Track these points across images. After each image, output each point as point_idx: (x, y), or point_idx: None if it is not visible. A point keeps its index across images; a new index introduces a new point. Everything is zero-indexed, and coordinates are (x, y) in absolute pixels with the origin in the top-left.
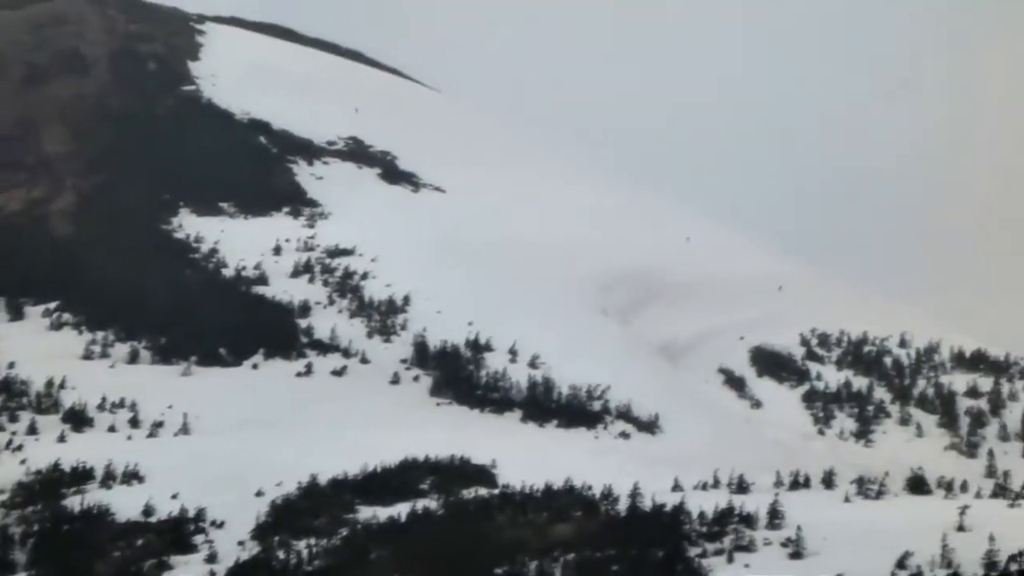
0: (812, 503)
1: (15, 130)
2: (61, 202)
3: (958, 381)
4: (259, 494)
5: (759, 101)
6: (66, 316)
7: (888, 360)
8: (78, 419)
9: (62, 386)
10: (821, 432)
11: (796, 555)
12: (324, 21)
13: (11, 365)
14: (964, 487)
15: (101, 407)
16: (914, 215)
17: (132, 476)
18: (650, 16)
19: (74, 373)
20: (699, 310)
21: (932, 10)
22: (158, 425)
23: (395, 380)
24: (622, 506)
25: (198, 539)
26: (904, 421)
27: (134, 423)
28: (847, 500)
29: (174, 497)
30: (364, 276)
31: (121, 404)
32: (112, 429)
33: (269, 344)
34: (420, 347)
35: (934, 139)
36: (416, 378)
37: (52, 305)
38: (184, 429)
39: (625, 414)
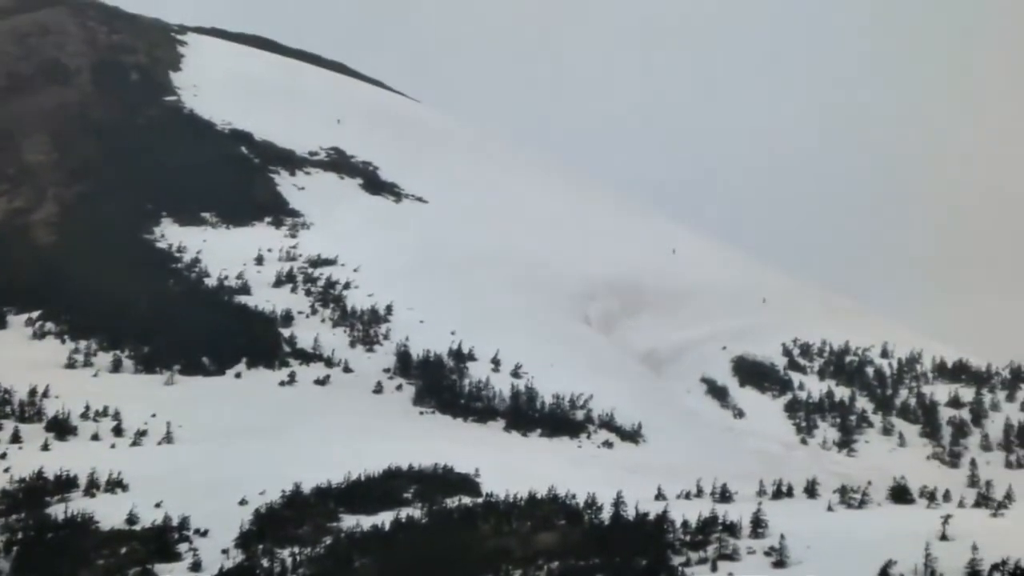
0: (795, 512)
1: None
2: (43, 211)
3: (940, 391)
4: (243, 503)
5: (747, 110)
6: (49, 325)
7: (870, 370)
8: (61, 428)
9: (45, 395)
10: (804, 441)
11: (779, 564)
12: (305, 32)
13: None
14: (947, 496)
15: (84, 416)
16: (896, 224)
17: (116, 484)
18: (640, 22)
19: (57, 382)
20: (682, 320)
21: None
22: (141, 434)
23: (378, 389)
24: (606, 515)
25: (182, 547)
26: (886, 431)
27: (117, 432)
28: (830, 509)
29: (158, 505)
30: (346, 286)
31: (104, 413)
32: (95, 438)
33: (252, 353)
34: (403, 356)
35: (924, 144)
36: (399, 387)
37: (35, 314)
38: (167, 438)
39: (608, 423)
